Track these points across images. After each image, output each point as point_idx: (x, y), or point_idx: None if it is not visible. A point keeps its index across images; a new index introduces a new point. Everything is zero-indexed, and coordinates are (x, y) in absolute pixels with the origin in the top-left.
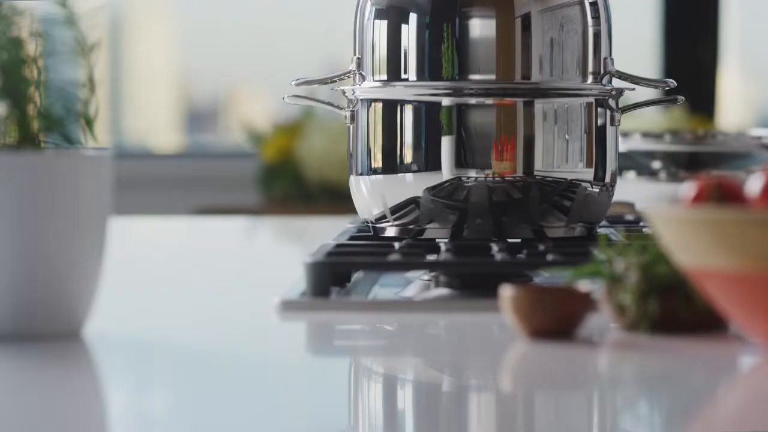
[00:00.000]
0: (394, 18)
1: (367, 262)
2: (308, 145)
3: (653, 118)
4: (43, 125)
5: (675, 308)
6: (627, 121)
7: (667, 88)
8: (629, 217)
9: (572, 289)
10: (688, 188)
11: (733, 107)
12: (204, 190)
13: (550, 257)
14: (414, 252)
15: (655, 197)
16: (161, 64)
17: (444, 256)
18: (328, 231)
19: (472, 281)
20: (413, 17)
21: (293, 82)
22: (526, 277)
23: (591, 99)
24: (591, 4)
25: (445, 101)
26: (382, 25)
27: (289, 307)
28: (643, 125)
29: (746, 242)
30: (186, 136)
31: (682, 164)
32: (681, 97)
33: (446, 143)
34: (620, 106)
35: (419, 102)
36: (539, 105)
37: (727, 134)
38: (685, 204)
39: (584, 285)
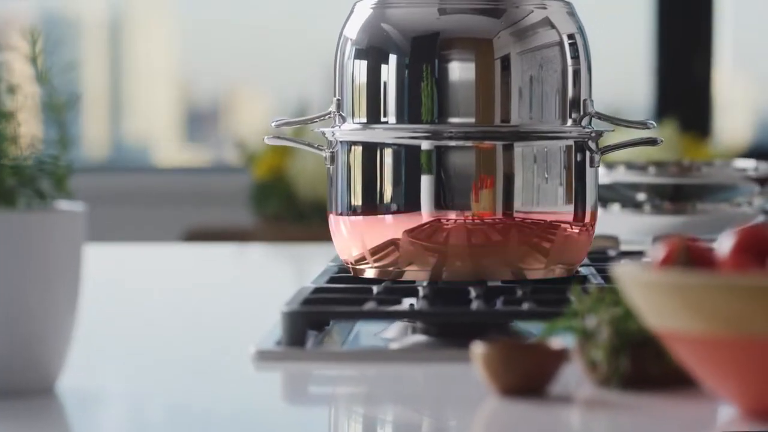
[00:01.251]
0: (374, 59)
1: (343, 311)
2: (300, 164)
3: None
4: (17, 181)
5: (646, 364)
6: (619, 137)
7: (646, 129)
8: (612, 252)
9: (544, 346)
10: (656, 250)
11: (731, 115)
12: (197, 204)
13: (526, 306)
14: (391, 299)
15: (640, 229)
16: (161, 65)
17: (420, 304)
18: (315, 261)
19: (449, 328)
20: (393, 58)
21: (273, 124)
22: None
23: (570, 142)
24: (570, 44)
25: (425, 144)
26: (362, 66)
27: (264, 356)
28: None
29: (714, 307)
30: (186, 136)
31: (667, 196)
32: (660, 139)
33: (426, 185)
34: (600, 146)
35: (399, 145)
36: (519, 148)
37: (712, 166)
38: (653, 266)
39: (556, 342)
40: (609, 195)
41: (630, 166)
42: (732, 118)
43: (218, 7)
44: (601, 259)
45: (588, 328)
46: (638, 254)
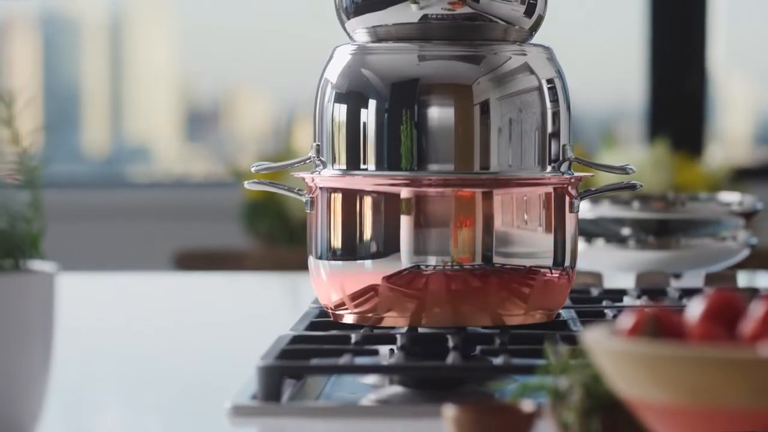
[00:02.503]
0: (354, 103)
1: (318, 366)
2: (291, 182)
3: (637, 156)
4: None
5: (618, 427)
6: (611, 156)
7: (625, 174)
8: (594, 290)
9: (515, 408)
10: (625, 320)
11: (730, 120)
12: (189, 219)
13: (501, 360)
14: (368, 350)
15: (624, 264)
16: (162, 66)
17: (397, 356)
18: (304, 293)
19: (425, 381)
20: (372, 103)
21: (253, 169)
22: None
23: (550, 188)
24: (549, 88)
25: (404, 192)
26: (342, 110)
27: (239, 412)
28: (626, 162)
29: (680, 378)
30: (186, 137)
31: (651, 231)
32: (640, 184)
33: (405, 232)
34: (579, 191)
35: (378, 192)
36: (498, 196)
37: (697, 200)
38: (622, 336)
39: (527, 403)
40: (593, 229)
41: (615, 200)
42: (731, 122)
43: (218, 8)
44: (583, 299)
45: (560, 390)
46: (620, 292)
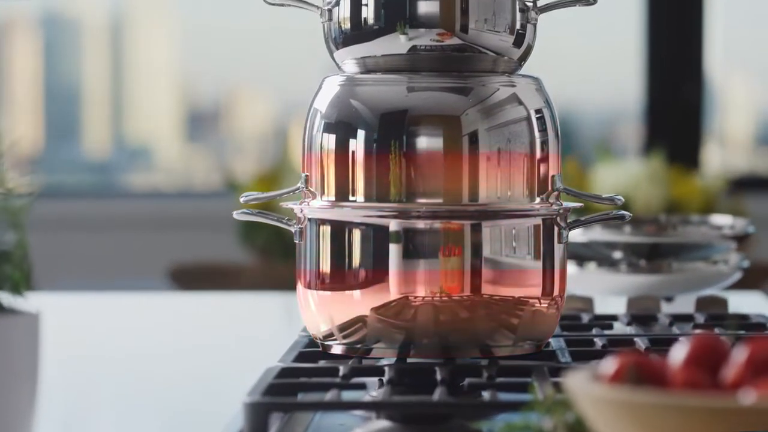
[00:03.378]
0: (343, 134)
1: (305, 403)
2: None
3: (633, 169)
4: None
5: None
6: (606, 172)
7: (613, 205)
8: (585, 317)
9: None
10: (607, 366)
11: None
12: (186, 230)
13: (488, 396)
14: (355, 384)
15: (616, 288)
16: (162, 66)
17: (384, 392)
18: (295, 318)
19: (412, 416)
20: (361, 134)
21: (242, 199)
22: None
23: (538, 220)
24: (538, 118)
25: (393, 224)
26: (330, 141)
27: None
28: (621, 177)
29: (664, 425)
30: (187, 137)
31: (643, 255)
32: (628, 215)
33: (394, 263)
34: (568, 221)
35: (367, 225)
36: (487, 228)
37: (689, 224)
38: (604, 382)
39: None
40: (585, 253)
41: (606, 224)
42: (732, 123)
43: (219, 9)
44: (573, 326)
45: (544, 430)
46: (611, 318)
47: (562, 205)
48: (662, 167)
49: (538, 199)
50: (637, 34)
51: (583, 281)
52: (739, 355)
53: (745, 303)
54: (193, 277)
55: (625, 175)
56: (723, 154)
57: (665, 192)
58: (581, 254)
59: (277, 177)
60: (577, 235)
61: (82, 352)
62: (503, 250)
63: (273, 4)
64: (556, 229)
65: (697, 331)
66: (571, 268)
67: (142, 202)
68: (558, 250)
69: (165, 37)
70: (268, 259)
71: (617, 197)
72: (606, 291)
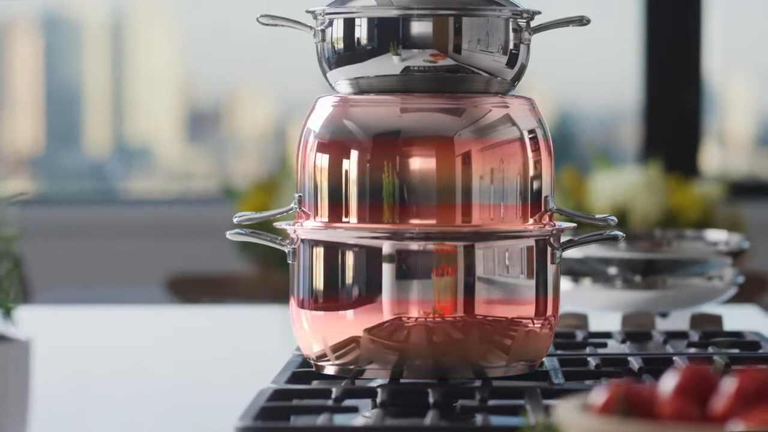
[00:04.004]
0: (336, 155)
1: (297, 427)
2: (285, 202)
3: (630, 178)
4: None
5: None
6: (604, 181)
7: (607, 225)
8: (579, 335)
9: None
10: (597, 396)
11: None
12: (183, 238)
13: (479, 420)
14: (347, 406)
15: (611, 304)
16: (163, 67)
17: (376, 415)
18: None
19: None
20: (354, 155)
21: (235, 220)
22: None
23: (531, 241)
24: (531, 138)
25: (386, 246)
26: (324, 161)
27: None
28: (619, 186)
29: None
30: (188, 137)
31: (638, 270)
32: (621, 235)
33: (387, 284)
34: (561, 242)
35: (360, 246)
36: (480, 250)
37: (684, 239)
38: (594, 413)
39: None
40: (580, 269)
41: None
42: (732, 124)
43: (219, 9)
44: (567, 345)
45: None
46: (605, 335)
47: (555, 225)
48: (660, 176)
49: (531, 220)
50: (637, 34)
51: (578, 297)
52: (729, 386)
53: (740, 318)
54: (190, 285)
55: (623, 184)
56: (723, 155)
57: (663, 201)
58: (576, 270)
59: (276, 184)
60: (572, 251)
61: (74, 368)
62: (496, 271)
63: (267, 24)
64: (549, 249)
65: (692, 350)
66: (566, 284)
67: (140, 209)
68: (551, 270)
69: (165, 38)
70: (267, 267)
71: (610, 218)
72: (601, 307)
